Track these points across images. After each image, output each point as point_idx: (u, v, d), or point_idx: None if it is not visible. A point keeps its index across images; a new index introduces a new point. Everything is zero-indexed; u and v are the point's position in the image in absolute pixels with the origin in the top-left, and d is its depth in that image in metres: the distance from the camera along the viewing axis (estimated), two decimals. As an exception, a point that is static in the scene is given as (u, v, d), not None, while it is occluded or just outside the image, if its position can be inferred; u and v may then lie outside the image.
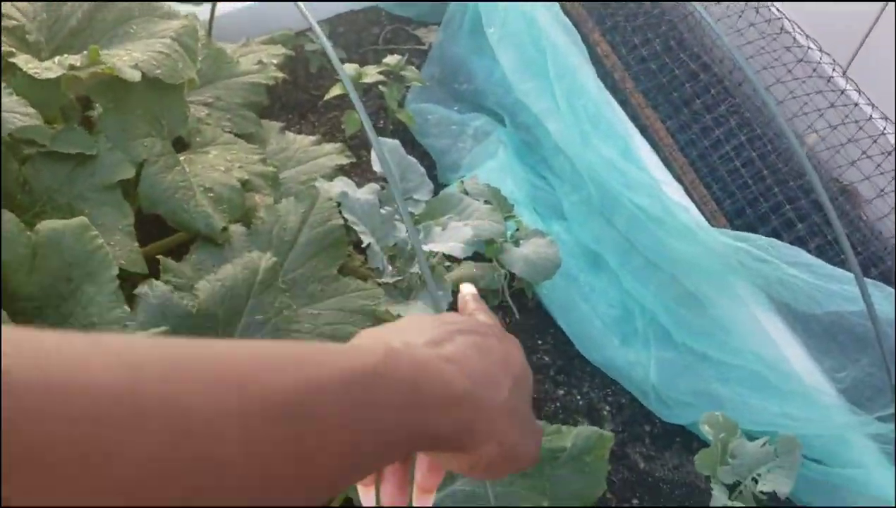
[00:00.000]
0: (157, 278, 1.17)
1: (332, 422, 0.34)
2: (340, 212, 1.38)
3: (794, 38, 1.85)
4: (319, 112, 2.03)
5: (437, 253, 1.46)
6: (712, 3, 1.92)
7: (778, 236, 1.65)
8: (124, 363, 0.28)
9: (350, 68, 1.85)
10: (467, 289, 0.60)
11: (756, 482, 1.38)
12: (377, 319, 1.45)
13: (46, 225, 1.10)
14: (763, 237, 1.48)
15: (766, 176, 1.76)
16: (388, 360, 0.37)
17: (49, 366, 0.26)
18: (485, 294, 1.71)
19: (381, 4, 2.30)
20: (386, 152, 1.56)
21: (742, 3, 1.90)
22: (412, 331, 0.45)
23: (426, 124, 1.99)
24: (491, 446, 0.44)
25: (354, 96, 1.09)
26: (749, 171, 1.79)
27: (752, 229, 1.74)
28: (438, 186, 1.92)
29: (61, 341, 0.28)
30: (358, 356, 0.37)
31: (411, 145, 2.00)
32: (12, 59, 1.22)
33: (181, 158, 1.34)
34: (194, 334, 1.11)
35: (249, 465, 0.30)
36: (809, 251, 1.51)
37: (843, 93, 1.76)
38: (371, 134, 1.05)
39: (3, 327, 0.26)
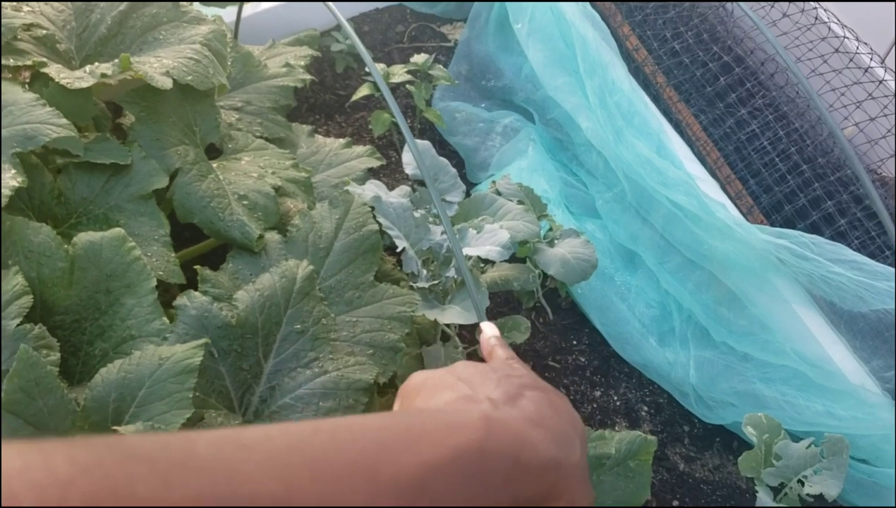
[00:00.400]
0: (194, 288, 1.16)
1: (448, 497, 0.38)
2: (374, 217, 1.37)
3: (830, 28, 1.81)
4: (346, 113, 2.02)
5: (470, 257, 1.44)
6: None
7: (817, 231, 1.62)
8: (276, 469, 0.32)
9: (378, 68, 1.83)
10: (490, 331, 0.61)
11: (802, 484, 1.35)
12: (414, 324, 1.44)
13: (84, 237, 1.09)
14: (804, 233, 1.45)
15: (803, 169, 1.72)
16: (491, 434, 0.41)
17: (212, 479, 0.30)
18: (519, 295, 1.69)
19: (405, 3, 2.28)
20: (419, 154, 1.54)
21: (775, -7, 1.86)
22: (479, 382, 0.48)
23: (454, 123, 1.97)
24: (561, 503, 0.46)
25: (389, 97, 1.07)
26: (785, 165, 1.75)
27: (790, 224, 1.71)
28: (468, 185, 1.90)
29: (212, 448, 0.32)
30: (463, 430, 0.40)
31: (439, 144, 1.98)
32: (44, 70, 1.22)
33: (214, 165, 1.32)
34: (234, 344, 1.10)
35: None
36: (850, 245, 1.47)
37: (881, 83, 1.72)
38: (408, 136, 1.03)
39: (158, 436, 0.31)
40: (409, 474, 0.36)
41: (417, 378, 0.53)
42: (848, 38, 1.76)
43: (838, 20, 1.79)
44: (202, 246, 1.44)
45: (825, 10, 1.82)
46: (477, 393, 0.46)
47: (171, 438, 0.32)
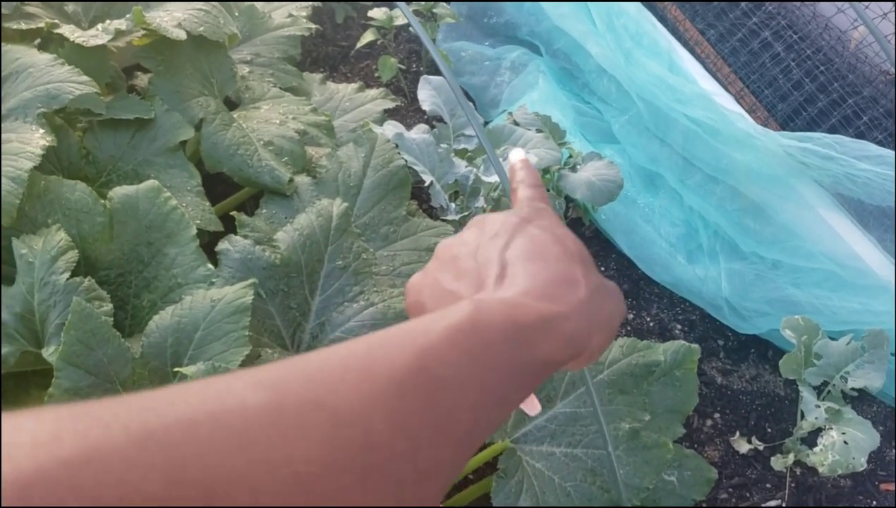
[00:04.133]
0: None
1: (455, 379, 0.36)
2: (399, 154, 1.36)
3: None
4: (350, 62, 2.00)
5: (497, 185, 1.44)
6: None
7: (836, 134, 1.62)
8: (264, 383, 0.31)
9: (380, 13, 1.81)
10: (516, 156, 0.57)
11: (845, 380, 1.37)
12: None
13: (119, 191, 1.09)
14: (827, 135, 1.45)
15: (816, 75, 1.72)
16: (479, 309, 0.39)
17: (205, 400, 0.29)
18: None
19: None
20: (433, 89, 1.53)
21: None
22: (480, 232, 0.46)
23: (460, 62, 1.96)
24: (595, 337, 0.44)
25: (416, 25, 1.06)
26: (798, 73, 1.75)
27: (807, 131, 1.70)
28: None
29: (203, 381, 0.31)
30: (453, 314, 0.38)
31: (447, 86, 1.97)
32: (58, 31, 1.20)
33: (235, 116, 1.32)
34: (280, 284, 1.11)
35: (395, 440, 0.33)
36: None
37: (888, -19, 1.71)
38: (439, 60, 1.02)
39: (153, 392, 0.29)
40: (406, 365, 0.35)
41: (447, 244, 0.49)
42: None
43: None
44: (232, 200, 1.44)
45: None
46: (469, 288, 0.44)
47: (164, 389, 0.30)
